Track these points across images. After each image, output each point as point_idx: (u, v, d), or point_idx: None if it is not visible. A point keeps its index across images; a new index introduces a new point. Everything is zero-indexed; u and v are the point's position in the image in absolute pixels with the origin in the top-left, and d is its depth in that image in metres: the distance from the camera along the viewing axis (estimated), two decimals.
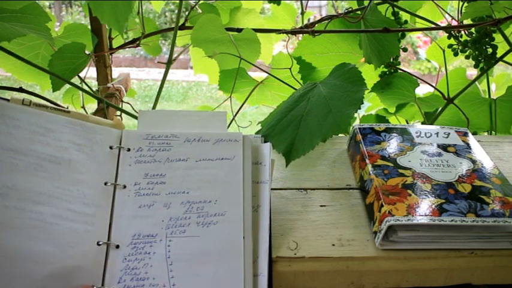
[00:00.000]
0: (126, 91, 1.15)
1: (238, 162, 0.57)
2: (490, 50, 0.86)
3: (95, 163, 0.55)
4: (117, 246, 0.50)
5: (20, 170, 0.50)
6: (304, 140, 0.59)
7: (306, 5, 0.99)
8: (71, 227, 0.50)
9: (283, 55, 0.95)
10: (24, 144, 0.52)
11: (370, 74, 0.94)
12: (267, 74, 0.94)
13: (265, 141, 0.62)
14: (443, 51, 0.95)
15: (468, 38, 0.87)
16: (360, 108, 0.59)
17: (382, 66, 0.89)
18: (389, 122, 1.02)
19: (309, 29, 0.83)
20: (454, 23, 0.90)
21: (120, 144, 0.57)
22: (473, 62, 0.88)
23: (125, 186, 0.54)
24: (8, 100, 0.56)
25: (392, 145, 0.67)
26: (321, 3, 5.06)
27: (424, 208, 0.54)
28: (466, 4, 0.80)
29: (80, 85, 0.96)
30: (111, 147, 0.57)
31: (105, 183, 0.54)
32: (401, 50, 0.86)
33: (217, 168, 0.56)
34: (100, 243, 0.50)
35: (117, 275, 0.48)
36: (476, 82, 0.91)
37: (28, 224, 0.48)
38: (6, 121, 0.52)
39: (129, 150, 0.57)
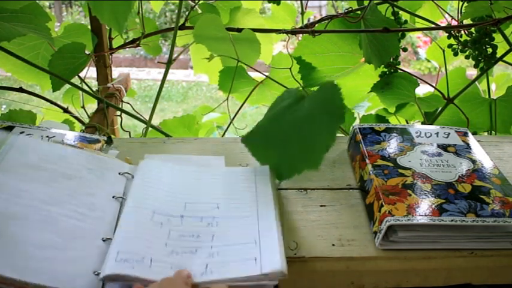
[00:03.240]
0: (126, 91, 1.15)
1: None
2: (490, 50, 0.86)
3: (104, 183, 0.60)
4: None
5: (35, 181, 0.56)
6: (288, 165, 0.60)
7: (306, 5, 0.99)
8: (76, 224, 0.52)
9: (283, 55, 0.95)
10: (41, 164, 0.58)
11: (370, 74, 0.94)
12: (267, 74, 0.94)
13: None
14: (443, 51, 0.95)
15: (468, 38, 0.87)
16: (332, 145, 0.57)
17: (382, 66, 0.89)
18: (389, 122, 1.02)
19: (309, 29, 0.83)
20: (454, 22, 0.90)
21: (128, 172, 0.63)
22: (473, 62, 0.88)
23: None
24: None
25: (392, 145, 0.67)
26: (321, 3, 5.06)
27: (424, 208, 0.54)
28: (466, 4, 0.80)
29: (80, 85, 0.96)
30: (119, 173, 0.62)
31: (113, 197, 0.58)
32: (401, 50, 0.86)
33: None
34: (104, 239, 0.52)
35: None
36: (476, 82, 0.91)
37: (37, 218, 0.51)
38: (28, 148, 0.60)
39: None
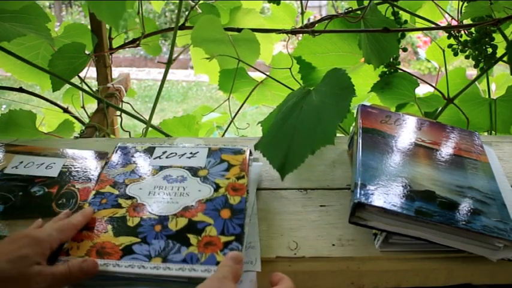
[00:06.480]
0: (126, 91, 1.15)
1: None
2: (490, 50, 0.86)
3: None
4: None
5: None
6: (296, 153, 0.57)
7: (306, 5, 0.99)
8: None
9: (283, 55, 0.95)
10: None
11: (370, 74, 0.94)
12: (267, 74, 0.94)
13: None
14: (443, 51, 0.95)
15: (468, 38, 0.87)
16: (346, 118, 0.57)
17: (382, 66, 0.89)
18: None
19: (309, 29, 0.83)
20: (454, 23, 0.90)
21: None
22: (473, 62, 0.88)
23: None
24: None
25: None
26: (321, 3, 5.06)
27: None
28: (466, 4, 0.80)
29: (80, 85, 0.96)
30: None
31: None
32: (401, 50, 0.86)
33: None
34: None
35: None
36: (476, 82, 0.91)
37: None
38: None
39: None
